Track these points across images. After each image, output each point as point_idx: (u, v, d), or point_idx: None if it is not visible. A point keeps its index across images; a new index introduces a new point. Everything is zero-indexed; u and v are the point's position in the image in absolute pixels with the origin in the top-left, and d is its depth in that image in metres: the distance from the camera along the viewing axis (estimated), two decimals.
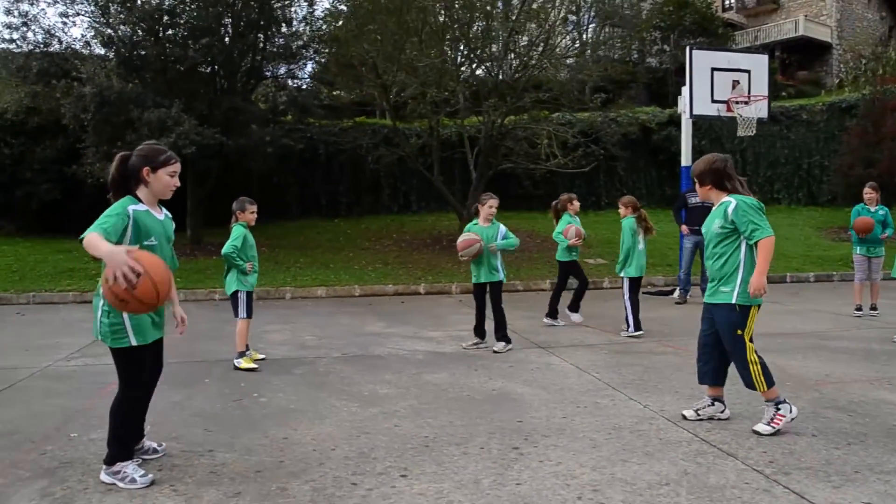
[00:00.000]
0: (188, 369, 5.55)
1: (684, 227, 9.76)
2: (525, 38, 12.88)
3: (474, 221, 6.56)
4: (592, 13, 14.67)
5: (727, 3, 37.14)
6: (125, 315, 3.00)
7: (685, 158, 10.06)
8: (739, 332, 3.86)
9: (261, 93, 16.26)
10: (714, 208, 4.00)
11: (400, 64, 12.72)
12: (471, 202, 15.01)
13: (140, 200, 3.14)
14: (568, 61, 12.71)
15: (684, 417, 4.14)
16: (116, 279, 2.66)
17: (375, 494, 3.04)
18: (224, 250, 5.57)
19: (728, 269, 3.91)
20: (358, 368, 5.58)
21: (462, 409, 4.39)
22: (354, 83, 15.11)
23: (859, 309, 8.44)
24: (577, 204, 8.13)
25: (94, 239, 2.77)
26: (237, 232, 5.62)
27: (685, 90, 9.81)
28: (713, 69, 8.85)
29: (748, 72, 8.97)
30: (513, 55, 13.36)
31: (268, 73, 15.73)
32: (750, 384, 3.92)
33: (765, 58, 9.44)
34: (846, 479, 3.28)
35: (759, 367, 3.89)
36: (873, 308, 8.48)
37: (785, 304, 9.53)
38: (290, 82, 16.49)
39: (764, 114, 9.06)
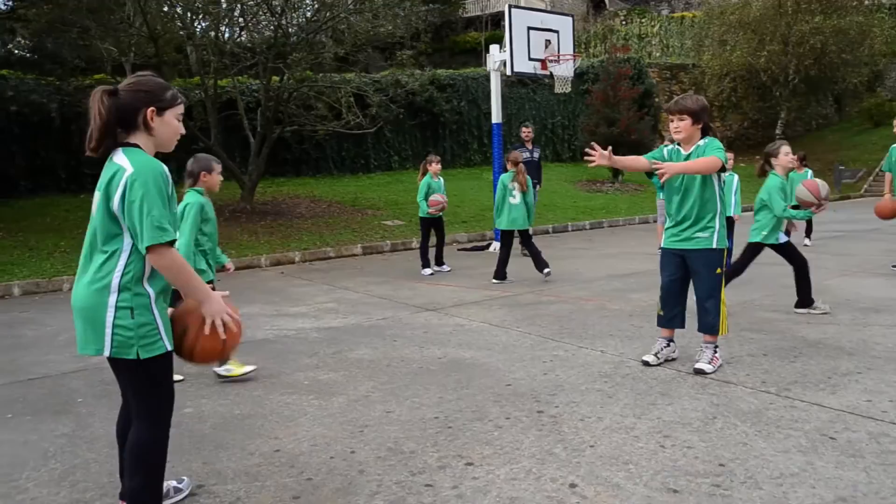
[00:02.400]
0: (39, 390, 4.27)
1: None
2: None
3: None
4: None
5: None
6: (156, 310, 2.16)
7: (495, 115, 10.32)
8: (719, 270, 3.98)
9: None
10: (691, 150, 3.97)
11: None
12: (253, 169, 13.86)
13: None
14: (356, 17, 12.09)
15: (647, 364, 4.14)
16: (213, 328, 2.18)
17: (468, 491, 2.59)
18: None
19: (705, 213, 3.95)
20: (262, 357, 4.77)
21: (434, 383, 3.99)
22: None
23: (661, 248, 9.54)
24: (436, 166, 8.30)
25: (183, 266, 2.14)
26: None
27: (494, 49, 10.04)
28: (529, 28, 9.16)
29: (557, 32, 9.46)
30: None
31: None
32: (711, 326, 4.00)
33: (570, 19, 10.00)
34: (831, 384, 3.63)
35: (726, 308, 4.08)
36: None
37: (595, 250, 10.42)
38: None
39: (572, 72, 9.66)
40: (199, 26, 12.83)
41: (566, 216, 14.87)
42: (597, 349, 4.58)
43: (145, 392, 2.20)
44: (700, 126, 3.96)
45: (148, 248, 2.05)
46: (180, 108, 2.29)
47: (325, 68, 13.29)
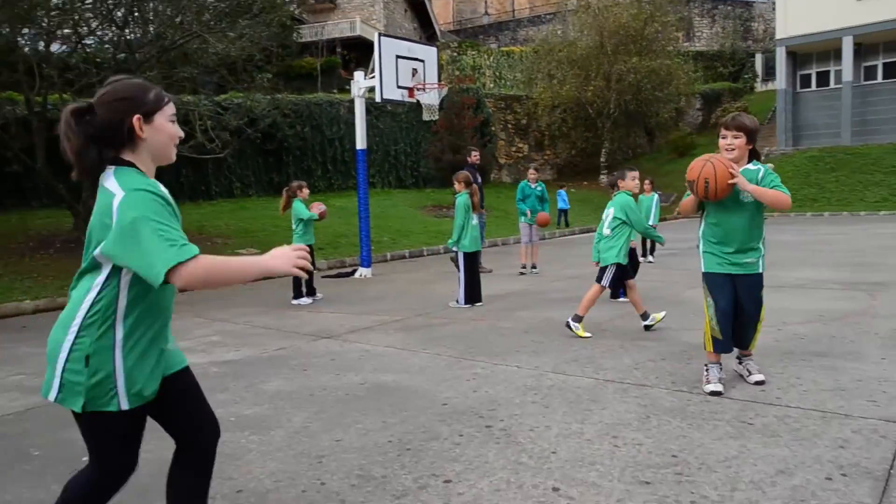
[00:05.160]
0: None
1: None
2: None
3: None
4: None
5: None
6: (119, 359, 1.87)
7: (360, 141, 10.40)
8: (761, 293, 4.04)
9: None
10: (741, 173, 3.76)
11: None
12: (88, 195, 12.70)
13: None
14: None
15: (719, 394, 3.85)
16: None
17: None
18: None
19: (756, 236, 3.91)
20: None
21: (370, 408, 3.96)
22: None
23: (524, 267, 10.09)
24: (306, 191, 8.19)
25: (218, 265, 1.80)
26: None
27: (359, 75, 10.14)
28: (397, 56, 9.36)
29: (423, 61, 9.76)
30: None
31: None
32: (748, 343, 4.10)
33: (434, 49, 10.34)
34: (727, 380, 4.10)
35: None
36: (534, 266, 10.20)
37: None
38: None
39: (437, 100, 9.98)
40: (26, 36, 11.64)
41: (420, 241, 15.19)
42: (511, 365, 4.79)
43: (92, 446, 1.96)
44: (751, 147, 3.88)
45: (168, 275, 1.71)
46: (171, 109, 1.97)
47: (176, 89, 12.61)
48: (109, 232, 1.76)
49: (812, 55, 30.66)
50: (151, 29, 11.49)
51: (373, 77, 9.44)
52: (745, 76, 42.07)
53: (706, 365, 4.07)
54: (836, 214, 22.54)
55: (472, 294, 7.38)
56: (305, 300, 8.20)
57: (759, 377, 4.04)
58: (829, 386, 3.94)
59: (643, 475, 2.83)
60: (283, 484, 2.95)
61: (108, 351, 1.84)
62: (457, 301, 7.40)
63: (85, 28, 11.42)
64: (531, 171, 9.89)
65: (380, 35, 9.28)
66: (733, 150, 3.80)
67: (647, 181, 10.72)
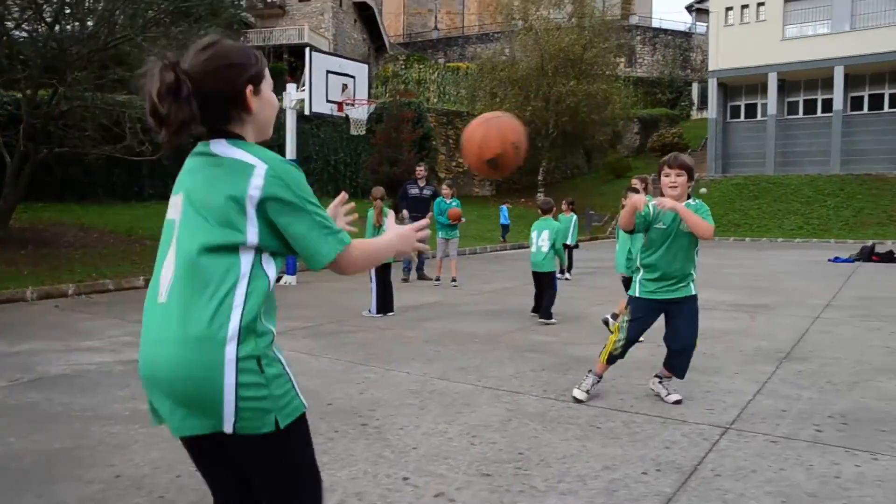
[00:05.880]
0: None
1: (405, 212, 10.63)
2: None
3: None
4: None
5: (237, 1, 38.38)
6: (280, 354, 1.56)
7: (290, 152, 10.63)
8: (696, 314, 4.21)
9: None
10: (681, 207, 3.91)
11: None
12: (8, 193, 12.51)
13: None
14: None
15: (578, 401, 4.21)
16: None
17: None
18: None
19: (691, 265, 4.11)
20: (68, 392, 4.59)
21: None
22: None
23: (438, 279, 10.51)
24: None
25: (369, 248, 1.66)
26: None
27: (291, 87, 10.38)
28: (328, 71, 9.65)
29: (354, 77, 10.06)
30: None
31: None
32: (684, 370, 4.25)
33: (366, 66, 10.67)
34: (595, 389, 4.51)
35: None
36: (454, 280, 10.57)
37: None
38: None
39: (366, 116, 10.30)
40: None
41: None
42: (402, 371, 5.11)
43: (292, 474, 1.58)
44: (691, 185, 4.05)
45: (333, 261, 1.56)
46: (269, 75, 1.67)
47: (105, 89, 12.56)
48: (236, 208, 1.48)
49: (741, 88, 32.27)
50: (88, 24, 11.45)
51: (304, 90, 9.70)
52: (682, 103, 43.87)
53: (591, 372, 4.34)
54: (756, 240, 23.77)
55: (384, 304, 7.68)
56: None
57: (677, 396, 4.22)
58: (681, 395, 4.39)
59: (486, 469, 3.18)
60: (160, 470, 3.19)
61: (269, 346, 1.52)
62: (369, 311, 7.69)
63: (11, 22, 11.31)
64: (444, 186, 10.33)
65: (310, 50, 9.56)
66: (676, 187, 3.95)
67: (564, 202, 11.26)
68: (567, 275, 11.51)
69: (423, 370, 5.13)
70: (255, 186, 1.49)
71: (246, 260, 1.51)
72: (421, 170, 10.80)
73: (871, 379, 4.86)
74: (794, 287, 10.42)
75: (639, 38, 47.88)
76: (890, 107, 29.16)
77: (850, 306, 8.40)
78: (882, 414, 4.03)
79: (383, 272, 7.78)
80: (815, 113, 30.78)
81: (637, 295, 4.20)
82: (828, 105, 29.80)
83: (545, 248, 7.06)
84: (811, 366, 5.27)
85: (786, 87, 30.90)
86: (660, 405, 4.21)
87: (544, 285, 7.18)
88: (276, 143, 20.55)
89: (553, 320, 7.08)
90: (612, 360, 4.24)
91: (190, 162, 1.60)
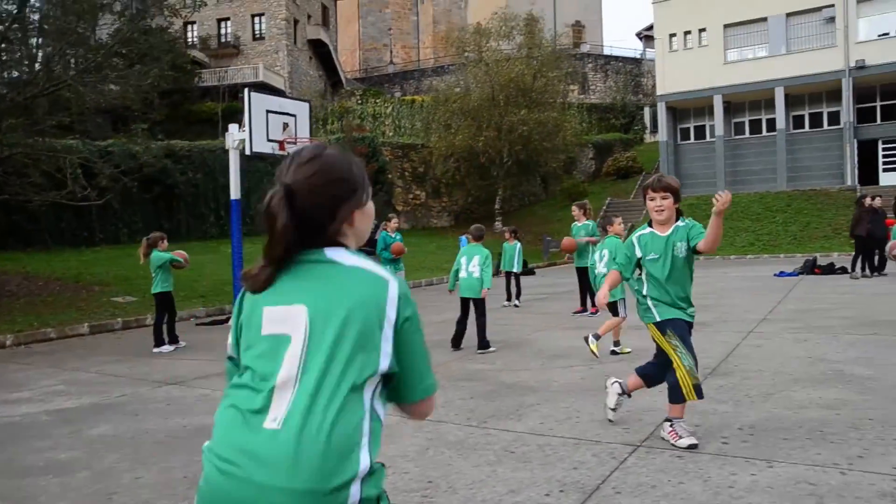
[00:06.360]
0: None
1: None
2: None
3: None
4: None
5: (191, 40, 38.46)
6: None
7: (234, 192, 10.64)
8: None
9: None
10: (670, 231, 3.88)
11: None
12: None
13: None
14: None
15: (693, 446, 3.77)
16: None
17: None
18: None
19: (688, 288, 3.95)
20: None
21: (182, 448, 4.21)
22: None
23: None
24: (165, 244, 8.54)
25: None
26: None
27: (233, 128, 10.44)
28: (268, 111, 9.74)
29: (295, 116, 10.17)
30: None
31: None
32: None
33: (307, 105, 10.78)
34: (518, 414, 4.59)
35: None
36: None
37: None
38: None
39: None
40: None
41: None
42: None
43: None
44: (677, 206, 3.90)
45: (424, 399, 1.44)
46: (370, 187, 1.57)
47: (46, 134, 12.48)
48: (378, 330, 1.34)
49: (690, 110, 33.22)
50: (24, 69, 11.41)
51: (245, 130, 9.78)
52: (636, 128, 44.90)
53: (671, 420, 3.89)
54: (709, 258, 24.27)
55: None
56: (167, 348, 8.28)
57: (691, 441, 3.78)
58: (600, 416, 4.49)
59: (394, 498, 3.21)
60: None
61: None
62: None
63: None
64: (388, 222, 10.42)
65: (248, 90, 9.66)
66: (663, 210, 3.83)
67: (507, 231, 11.44)
68: (516, 301, 11.65)
69: None
70: (396, 307, 1.36)
71: (369, 392, 1.33)
72: (392, 224, 10.76)
73: (786, 389, 5.04)
74: (736, 303, 10.69)
75: (590, 65, 49.07)
76: (829, 124, 30.24)
77: (784, 319, 8.65)
78: (788, 423, 4.19)
79: None
80: (760, 132, 31.77)
81: (658, 320, 3.89)
82: (772, 124, 30.80)
83: (476, 274, 7.17)
84: (733, 380, 5.43)
85: (731, 108, 31.89)
86: (578, 427, 4.31)
87: (477, 311, 7.26)
88: (211, 187, 20.37)
89: (492, 348, 7.17)
90: (699, 391, 3.79)
91: (299, 268, 1.39)
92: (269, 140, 9.78)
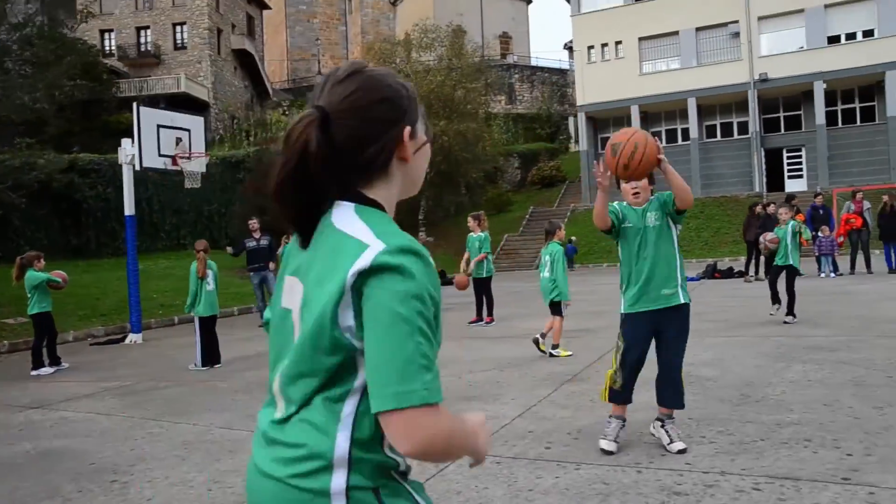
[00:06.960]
0: None
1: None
2: None
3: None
4: None
5: (108, 49, 37.37)
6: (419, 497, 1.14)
7: (128, 208, 10.47)
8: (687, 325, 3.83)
9: None
10: (645, 206, 3.81)
11: None
12: None
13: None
14: None
15: (609, 453, 3.76)
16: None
17: None
18: None
19: (671, 266, 3.75)
20: None
21: (15, 475, 4.15)
22: None
23: None
24: (42, 263, 8.43)
25: (447, 427, 1.04)
26: None
27: (126, 143, 10.27)
28: (159, 126, 9.62)
29: (189, 130, 10.07)
30: None
31: None
32: (680, 396, 3.85)
33: (201, 119, 10.69)
34: None
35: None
36: None
37: (242, 333, 10.96)
38: None
39: (203, 168, 10.29)
40: None
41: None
42: (190, 423, 5.15)
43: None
44: (652, 188, 3.89)
45: (400, 412, 0.99)
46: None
47: None
48: (341, 305, 1.04)
49: (609, 120, 34.23)
50: None
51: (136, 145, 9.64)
52: (561, 137, 45.92)
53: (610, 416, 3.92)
54: None
55: (210, 356, 7.67)
56: (46, 370, 8.05)
57: (681, 445, 3.73)
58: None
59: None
60: None
61: (396, 482, 1.14)
62: (195, 364, 7.65)
63: None
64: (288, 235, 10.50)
65: (137, 105, 9.54)
66: (639, 193, 3.79)
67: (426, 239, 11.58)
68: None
69: (211, 420, 5.18)
70: (352, 272, 1.03)
71: (359, 381, 1.08)
72: (254, 223, 10.98)
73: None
74: None
75: (517, 76, 49.94)
76: (739, 134, 31.67)
77: None
78: None
79: (208, 323, 7.78)
80: (676, 142, 32.98)
81: (623, 311, 3.82)
82: (686, 134, 32.05)
83: (548, 275, 7.14)
84: (587, 386, 5.67)
85: (648, 118, 33.02)
86: None
87: None
88: (145, 198, 19.83)
89: None
90: (614, 396, 3.79)
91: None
92: (161, 155, 9.66)
